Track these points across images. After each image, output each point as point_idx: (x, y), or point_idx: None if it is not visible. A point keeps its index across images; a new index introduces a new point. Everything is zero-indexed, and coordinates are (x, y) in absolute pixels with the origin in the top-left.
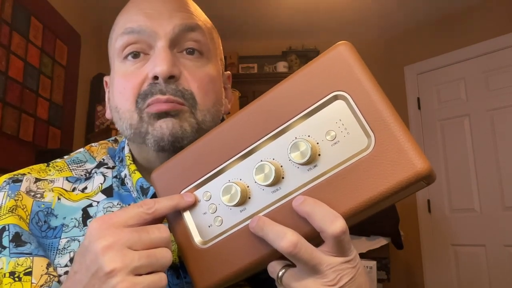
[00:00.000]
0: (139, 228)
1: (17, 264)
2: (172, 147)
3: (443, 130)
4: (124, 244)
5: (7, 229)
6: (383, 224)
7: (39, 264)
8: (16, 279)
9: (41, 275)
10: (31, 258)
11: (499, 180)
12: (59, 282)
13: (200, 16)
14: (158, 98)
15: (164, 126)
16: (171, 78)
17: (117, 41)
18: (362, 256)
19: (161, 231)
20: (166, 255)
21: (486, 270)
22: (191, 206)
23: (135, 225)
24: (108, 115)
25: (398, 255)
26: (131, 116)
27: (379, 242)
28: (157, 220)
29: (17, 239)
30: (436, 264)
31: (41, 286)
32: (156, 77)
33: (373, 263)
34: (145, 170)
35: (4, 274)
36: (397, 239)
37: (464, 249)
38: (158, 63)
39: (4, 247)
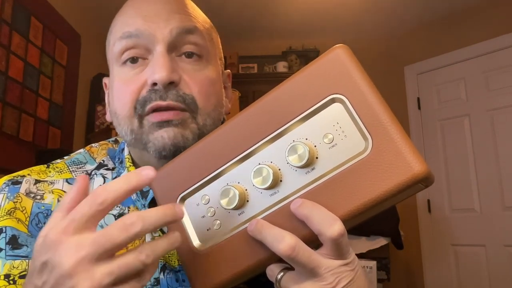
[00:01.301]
0: (102, 234)
1: (13, 266)
2: (174, 155)
3: (443, 130)
4: (90, 260)
5: (4, 231)
6: (383, 224)
7: None
8: (11, 282)
9: None
10: (27, 261)
11: (499, 180)
12: None
13: (199, 17)
14: (158, 104)
15: (166, 136)
16: (170, 84)
17: (115, 45)
18: (362, 256)
19: (128, 228)
20: (135, 263)
21: (486, 270)
22: (190, 209)
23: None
24: (108, 117)
25: (398, 255)
26: (130, 122)
27: (379, 242)
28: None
29: (13, 242)
30: (436, 264)
31: None
32: (155, 84)
33: (373, 263)
34: None
35: None
36: (397, 239)
37: (464, 249)
38: (157, 70)
39: (0, 250)
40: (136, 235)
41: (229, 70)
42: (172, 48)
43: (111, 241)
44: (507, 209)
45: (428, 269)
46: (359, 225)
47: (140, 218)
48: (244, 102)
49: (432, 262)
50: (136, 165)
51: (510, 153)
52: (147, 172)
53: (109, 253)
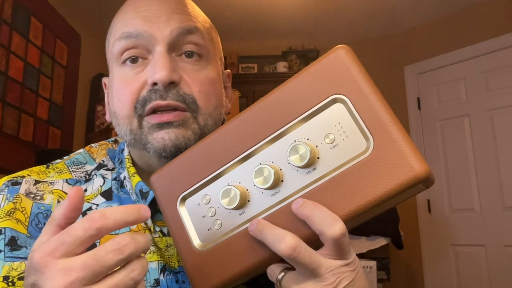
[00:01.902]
0: (93, 257)
1: (12, 268)
2: (174, 155)
3: (443, 130)
4: (79, 285)
5: (3, 232)
6: (383, 224)
7: None
8: (10, 283)
9: None
10: (26, 262)
11: (499, 180)
12: None
13: (198, 16)
14: (158, 103)
15: (167, 138)
16: (171, 83)
17: (114, 46)
18: (362, 256)
19: (122, 250)
20: (126, 282)
21: (486, 270)
22: (191, 209)
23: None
24: (108, 117)
25: (398, 255)
26: (130, 122)
27: (379, 242)
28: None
29: (12, 243)
30: (436, 264)
31: None
32: (155, 83)
33: (373, 263)
34: (144, 173)
35: None
36: (397, 239)
37: (464, 249)
38: (157, 70)
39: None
40: (128, 257)
41: (229, 70)
42: (172, 48)
43: (103, 265)
44: (507, 209)
45: (428, 269)
46: (359, 225)
47: (133, 239)
48: (244, 102)
49: (432, 262)
50: (136, 165)
51: (510, 153)
52: (145, 212)
53: (99, 276)
